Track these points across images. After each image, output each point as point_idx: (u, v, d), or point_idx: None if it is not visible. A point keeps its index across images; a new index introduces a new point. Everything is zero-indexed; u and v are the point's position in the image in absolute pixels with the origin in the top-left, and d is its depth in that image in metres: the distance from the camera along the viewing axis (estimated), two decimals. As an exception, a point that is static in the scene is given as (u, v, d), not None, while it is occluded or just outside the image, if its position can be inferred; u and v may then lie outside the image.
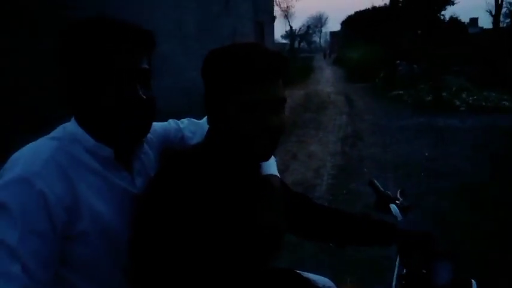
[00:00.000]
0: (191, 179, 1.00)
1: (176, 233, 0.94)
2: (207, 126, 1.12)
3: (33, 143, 0.98)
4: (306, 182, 5.56)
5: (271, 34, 18.87)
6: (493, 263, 3.20)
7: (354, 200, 4.70)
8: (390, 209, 1.48)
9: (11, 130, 3.56)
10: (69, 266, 0.95)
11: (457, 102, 11.66)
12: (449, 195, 4.78)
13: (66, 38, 0.97)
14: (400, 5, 20.66)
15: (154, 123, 1.22)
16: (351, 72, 23.25)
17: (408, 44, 17.30)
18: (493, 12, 25.81)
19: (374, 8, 33.03)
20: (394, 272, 1.34)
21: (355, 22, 35.27)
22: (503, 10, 26.51)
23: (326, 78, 24.84)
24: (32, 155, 0.93)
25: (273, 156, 1.21)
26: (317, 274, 1.47)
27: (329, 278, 1.48)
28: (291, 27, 49.55)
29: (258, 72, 0.98)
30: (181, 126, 1.31)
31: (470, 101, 11.68)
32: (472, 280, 1.17)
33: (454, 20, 28.64)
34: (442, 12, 26.90)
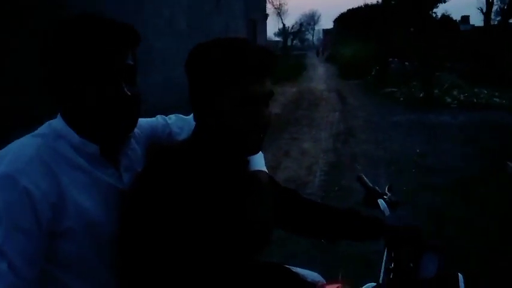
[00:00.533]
0: (178, 174, 1.00)
1: (163, 228, 0.94)
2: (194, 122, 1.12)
3: (18, 140, 0.97)
4: (299, 179, 5.57)
5: (264, 32, 18.87)
6: (485, 257, 3.22)
7: (345, 196, 4.71)
8: (378, 204, 1.49)
9: (11, 130, 3.53)
10: (56, 263, 0.94)
11: (449, 99, 11.73)
12: (441, 191, 4.81)
13: (50, 36, 0.96)
14: (393, 2, 20.72)
15: (141, 119, 1.21)
16: (343, 69, 23.29)
17: (400, 41, 17.33)
18: (484, 10, 25.97)
19: (366, 5, 33.11)
20: (382, 266, 1.35)
21: (347, 19, 35.36)
22: (494, 8, 26.70)
23: (319, 76, 24.86)
24: (16, 152, 0.92)
25: (260, 152, 1.21)
26: (306, 269, 1.48)
27: (318, 273, 1.49)
28: (283, 24, 49.57)
29: (253, 67, 0.99)
30: (169, 122, 1.30)
31: (462, 98, 11.76)
32: (459, 274, 1.18)
33: (445, 17, 28.77)
34: (434, 10, 27.00)
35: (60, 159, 0.96)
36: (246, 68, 0.98)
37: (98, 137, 1.00)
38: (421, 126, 8.86)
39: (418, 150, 6.73)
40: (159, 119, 1.31)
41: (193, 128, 1.12)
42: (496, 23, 27.39)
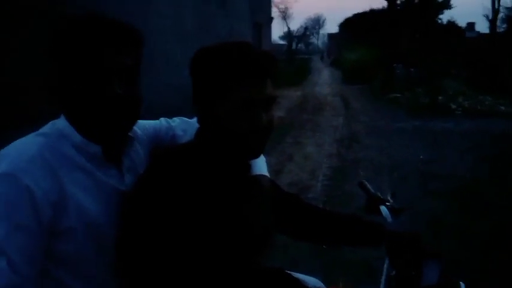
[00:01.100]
0: (180, 176, 0.99)
1: (164, 231, 0.94)
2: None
3: (21, 139, 0.98)
4: (301, 183, 5.56)
5: (269, 35, 18.89)
6: (486, 264, 3.21)
7: (348, 201, 4.70)
8: (380, 210, 1.48)
9: (11, 130, 3.54)
10: (56, 262, 0.94)
11: (453, 106, 11.70)
12: (444, 198, 4.79)
13: (54, 36, 0.97)
14: (398, 8, 20.72)
15: (145, 122, 1.22)
16: (348, 74, 23.28)
17: (406, 47, 17.34)
18: (490, 17, 25.91)
19: (372, 10, 33.07)
20: (383, 273, 1.35)
21: (353, 24, 35.30)
22: (500, 15, 26.64)
23: (323, 80, 24.89)
24: (18, 151, 0.93)
25: (262, 156, 1.21)
26: (307, 275, 1.47)
27: (319, 279, 1.48)
28: (288, 28, 49.65)
29: (251, 71, 0.99)
30: (172, 124, 1.30)
31: (466, 105, 11.73)
32: (461, 282, 1.17)
33: (451, 24, 28.75)
34: (440, 16, 27.01)
35: (62, 159, 0.96)
36: (245, 72, 0.99)
37: (99, 137, 1.00)
38: (425, 132, 8.84)
39: (421, 157, 6.71)
40: (162, 121, 1.31)
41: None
42: (502, 30, 27.34)
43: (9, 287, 0.84)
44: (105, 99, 0.95)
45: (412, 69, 16.80)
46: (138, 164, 1.12)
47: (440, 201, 4.66)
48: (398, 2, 20.73)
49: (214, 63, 1.01)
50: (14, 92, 4.26)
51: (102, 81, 0.95)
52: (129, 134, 1.08)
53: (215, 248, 1.00)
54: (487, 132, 8.69)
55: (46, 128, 1.01)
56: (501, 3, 25.90)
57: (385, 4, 18.79)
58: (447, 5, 26.90)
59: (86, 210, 0.96)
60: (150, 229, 0.94)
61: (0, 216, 0.84)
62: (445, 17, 31.26)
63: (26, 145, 0.95)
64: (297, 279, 1.38)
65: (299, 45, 55.37)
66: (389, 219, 1.45)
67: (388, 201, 1.53)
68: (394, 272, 1.29)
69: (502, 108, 11.26)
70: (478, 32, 30.07)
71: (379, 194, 1.56)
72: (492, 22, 25.80)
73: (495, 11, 25.45)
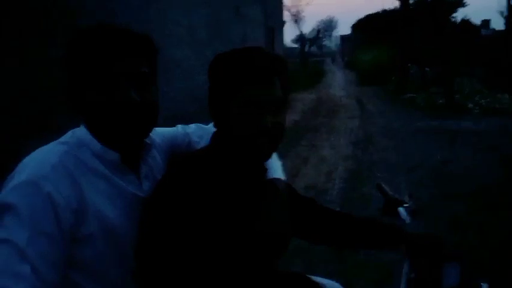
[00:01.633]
0: (197, 182, 1.00)
1: (181, 236, 0.94)
2: (213, 131, 1.14)
3: (43, 147, 1.00)
4: (318, 186, 5.54)
5: (281, 39, 18.90)
6: (509, 265, 3.15)
7: (365, 204, 4.66)
8: (398, 212, 1.47)
9: (20, 137, 3.61)
10: (76, 268, 0.96)
11: (470, 105, 11.53)
12: (463, 198, 4.72)
13: (69, 46, 1.00)
14: (411, 7, 20.53)
15: (162, 129, 1.23)
16: (362, 75, 23.15)
17: (420, 46, 17.15)
18: (505, 14, 25.47)
19: (384, 11, 32.79)
20: (402, 275, 1.33)
21: (365, 25, 35.04)
22: (516, 11, 26.14)
23: (337, 82, 24.77)
24: (40, 159, 0.95)
25: (278, 160, 1.21)
26: (326, 278, 1.47)
27: (339, 283, 1.47)
28: (301, 31, 49.57)
29: (257, 73, 1.00)
30: (188, 131, 1.32)
31: (483, 104, 11.54)
32: (482, 283, 1.16)
33: (465, 22, 28.36)
34: (454, 15, 26.66)
35: (82, 167, 0.98)
36: (251, 73, 1.00)
37: (117, 143, 1.02)
38: (442, 132, 8.71)
39: (439, 157, 6.62)
40: (179, 128, 1.33)
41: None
42: (518, 26, 26.83)
43: None
44: (120, 105, 0.97)
45: (427, 69, 16.62)
46: (156, 171, 1.14)
47: (460, 202, 4.59)
48: (411, 1, 20.54)
49: (224, 68, 1.04)
50: (36, 101, 4.34)
51: (114, 86, 0.97)
52: (147, 140, 1.10)
53: (232, 252, 1.00)
54: (506, 131, 8.54)
55: (66, 137, 1.03)
56: (517, -1, 25.46)
57: (397, 4, 18.65)
58: (461, 3, 26.55)
59: (106, 216, 0.97)
60: (169, 235, 0.95)
61: (23, 224, 0.86)
62: (459, 15, 30.92)
63: (47, 153, 0.97)
64: (317, 283, 1.38)
65: (312, 47, 55.22)
66: (407, 220, 1.43)
67: (406, 203, 1.51)
68: (413, 275, 1.28)
69: (521, 106, 11.06)
70: (494, 29, 29.57)
71: (396, 196, 1.55)
72: (508, 18, 25.37)
73: (510, 7, 25.01)
